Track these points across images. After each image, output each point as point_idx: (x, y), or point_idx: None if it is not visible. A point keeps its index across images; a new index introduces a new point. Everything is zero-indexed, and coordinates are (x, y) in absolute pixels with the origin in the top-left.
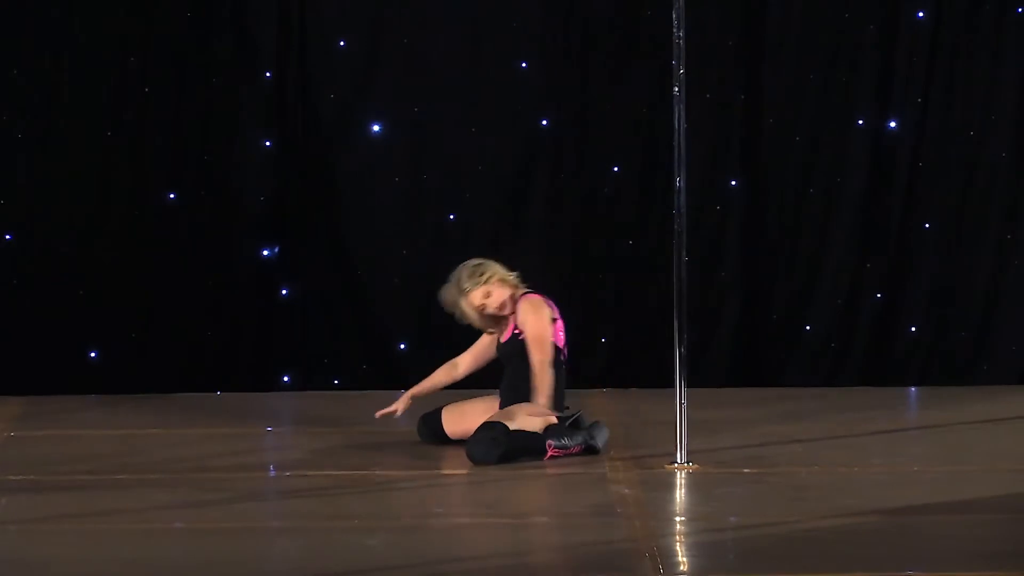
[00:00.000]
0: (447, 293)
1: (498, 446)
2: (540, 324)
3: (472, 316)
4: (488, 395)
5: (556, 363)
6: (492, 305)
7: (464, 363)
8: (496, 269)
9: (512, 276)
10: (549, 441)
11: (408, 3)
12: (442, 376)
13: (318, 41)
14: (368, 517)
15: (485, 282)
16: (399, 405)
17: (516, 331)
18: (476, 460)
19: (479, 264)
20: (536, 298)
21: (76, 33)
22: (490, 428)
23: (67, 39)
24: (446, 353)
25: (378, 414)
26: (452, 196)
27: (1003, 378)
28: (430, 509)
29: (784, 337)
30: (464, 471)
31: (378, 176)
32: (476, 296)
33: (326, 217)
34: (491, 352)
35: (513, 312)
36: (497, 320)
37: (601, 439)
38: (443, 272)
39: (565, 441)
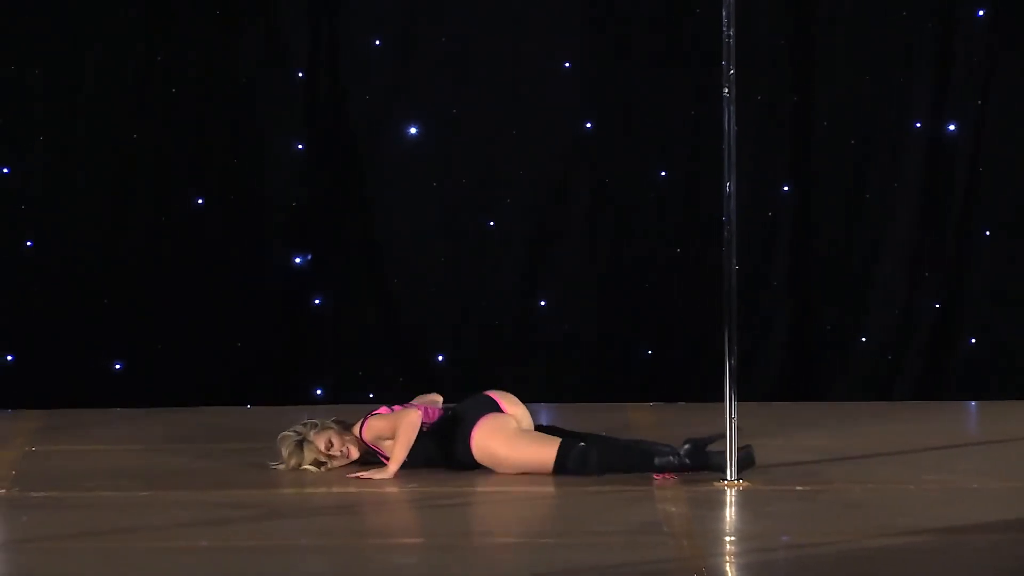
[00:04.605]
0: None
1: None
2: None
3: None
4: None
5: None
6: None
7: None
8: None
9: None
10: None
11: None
12: None
13: (351, 40)
14: (402, 535)
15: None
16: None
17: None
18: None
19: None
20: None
21: (99, 32)
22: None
23: (90, 38)
24: (483, 364)
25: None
26: (491, 201)
27: None
28: (468, 527)
29: (837, 348)
30: (503, 488)
31: (414, 180)
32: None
33: (360, 223)
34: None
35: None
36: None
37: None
38: (482, 280)
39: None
